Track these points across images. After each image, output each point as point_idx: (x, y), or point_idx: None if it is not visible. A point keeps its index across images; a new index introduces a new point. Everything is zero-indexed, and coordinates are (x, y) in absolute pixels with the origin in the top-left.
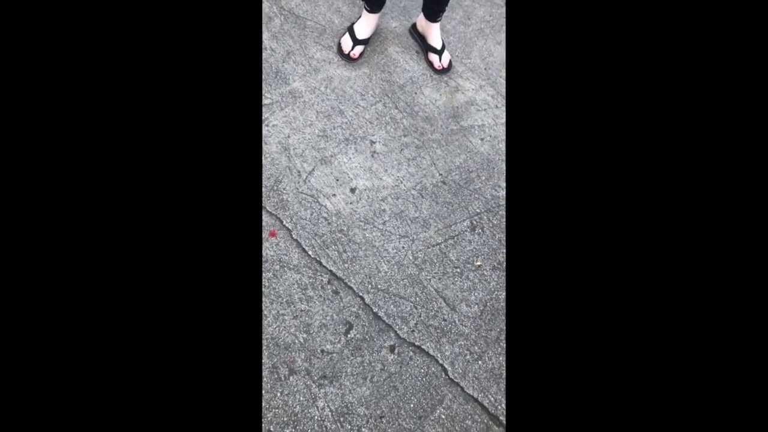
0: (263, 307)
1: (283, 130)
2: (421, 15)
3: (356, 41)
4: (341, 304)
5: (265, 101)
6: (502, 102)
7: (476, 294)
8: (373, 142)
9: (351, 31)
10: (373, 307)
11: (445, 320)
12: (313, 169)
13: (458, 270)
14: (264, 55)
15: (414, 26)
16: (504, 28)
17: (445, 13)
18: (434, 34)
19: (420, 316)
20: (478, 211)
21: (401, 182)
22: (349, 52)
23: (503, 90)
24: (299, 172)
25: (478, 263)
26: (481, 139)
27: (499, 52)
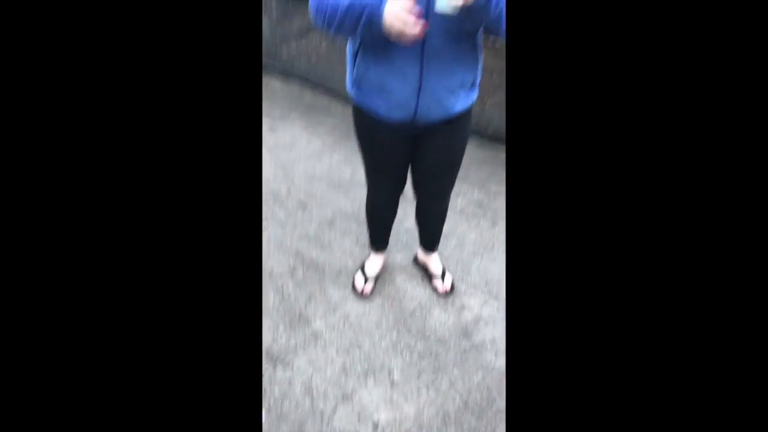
0: None
1: (307, 370)
2: (420, 248)
3: (367, 278)
4: None
5: (290, 343)
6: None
7: None
8: (390, 371)
9: (363, 270)
10: None
11: None
12: (335, 408)
13: None
14: (290, 301)
15: (416, 258)
16: (495, 246)
17: (441, 242)
18: (434, 262)
19: None
20: None
21: (423, 411)
22: (362, 289)
23: (505, 300)
24: (322, 413)
25: None
26: (495, 354)
27: (496, 268)
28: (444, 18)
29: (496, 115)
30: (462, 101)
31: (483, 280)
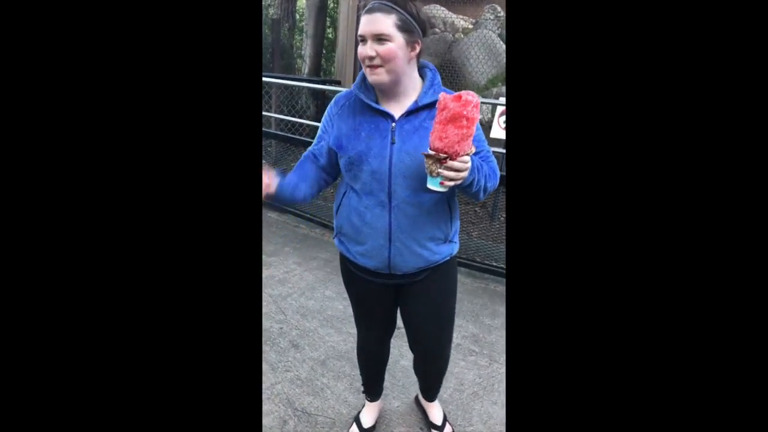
0: None
1: None
2: (420, 393)
3: (364, 431)
4: None
5: None
6: None
7: None
8: None
9: (357, 421)
10: None
11: None
12: None
13: None
14: None
15: (417, 398)
16: (495, 386)
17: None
18: (434, 411)
19: None
20: None
21: None
22: None
23: None
24: None
25: None
26: None
27: (497, 412)
28: (407, 177)
29: (483, 245)
30: (437, 254)
31: (486, 427)
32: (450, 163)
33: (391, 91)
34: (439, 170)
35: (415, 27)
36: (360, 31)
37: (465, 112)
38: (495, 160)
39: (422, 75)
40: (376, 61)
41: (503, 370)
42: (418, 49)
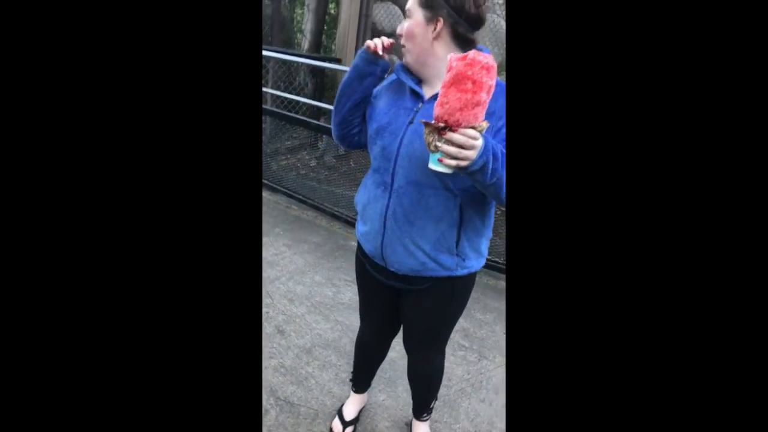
0: None
1: None
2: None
3: (345, 423)
4: None
5: None
6: None
7: None
8: None
9: (340, 414)
10: None
11: None
12: None
13: None
14: None
15: (410, 424)
16: (483, 384)
17: None
18: None
19: None
20: None
21: None
22: None
23: None
24: None
25: None
26: None
27: (485, 410)
28: (411, 162)
29: None
30: (437, 263)
31: (473, 426)
32: (449, 134)
33: (420, 72)
34: (437, 143)
35: (439, 2)
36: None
37: (470, 73)
38: None
39: None
40: (402, 40)
41: (492, 366)
42: (439, 26)
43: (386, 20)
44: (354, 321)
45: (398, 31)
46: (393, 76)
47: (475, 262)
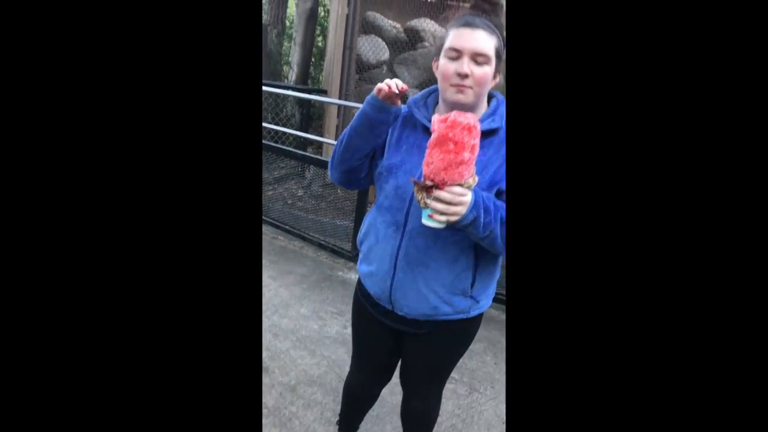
0: None
1: None
2: None
3: None
4: None
5: None
6: None
7: None
8: None
9: None
10: None
11: None
12: None
13: None
14: None
15: None
16: (474, 420)
17: None
18: None
19: None
20: None
21: None
22: None
23: None
24: None
25: None
26: None
27: None
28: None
29: None
30: (449, 305)
31: None
32: (436, 192)
33: (465, 109)
34: (427, 200)
35: (503, 55)
36: (456, 45)
37: (451, 135)
38: None
39: (488, 103)
40: (468, 82)
41: (484, 399)
42: (498, 78)
43: (371, 52)
44: (341, 355)
45: (463, 69)
46: (403, 109)
47: (486, 302)
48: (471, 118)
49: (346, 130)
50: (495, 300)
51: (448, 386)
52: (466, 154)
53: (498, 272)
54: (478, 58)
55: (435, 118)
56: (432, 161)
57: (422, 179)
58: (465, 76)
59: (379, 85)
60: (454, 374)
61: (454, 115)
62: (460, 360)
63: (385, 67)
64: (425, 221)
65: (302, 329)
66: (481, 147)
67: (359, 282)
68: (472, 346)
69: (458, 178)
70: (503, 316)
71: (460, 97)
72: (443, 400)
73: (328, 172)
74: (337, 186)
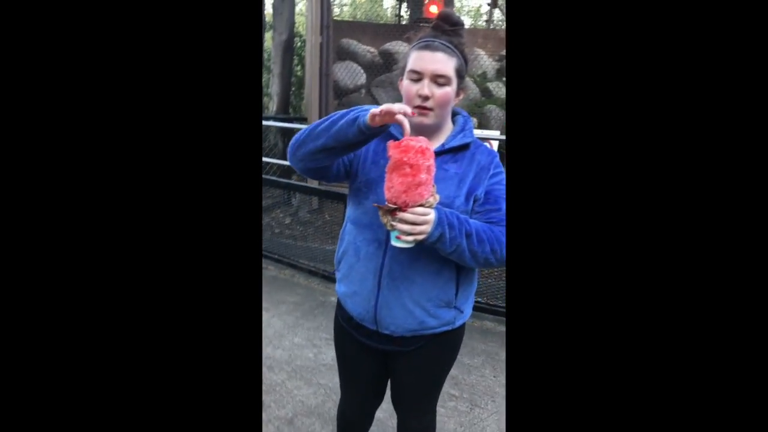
0: None
1: None
2: None
3: None
4: None
5: None
6: None
7: None
8: None
9: None
10: None
11: None
12: None
13: None
14: None
15: None
16: None
17: None
18: None
19: None
20: None
21: None
22: None
23: None
24: None
25: None
26: None
27: None
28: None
29: None
30: (435, 318)
31: None
32: (400, 214)
33: (424, 133)
34: (392, 223)
35: (465, 74)
36: (416, 67)
37: (405, 159)
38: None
39: (453, 120)
40: (430, 103)
41: (485, 415)
42: (462, 96)
43: (348, 78)
44: (338, 382)
45: (423, 91)
46: None
47: (468, 311)
48: (423, 141)
49: (318, 130)
50: (493, 312)
51: (449, 404)
52: (423, 176)
53: (476, 281)
54: (438, 79)
55: (389, 143)
56: (392, 185)
57: (386, 203)
58: (426, 98)
59: (373, 111)
60: (454, 391)
61: (406, 140)
62: (460, 376)
63: (363, 91)
64: (394, 243)
65: (297, 359)
66: (456, 161)
67: (339, 306)
68: (470, 361)
69: (419, 198)
70: (501, 328)
71: (424, 120)
72: (445, 419)
73: (288, 158)
74: (325, 211)
